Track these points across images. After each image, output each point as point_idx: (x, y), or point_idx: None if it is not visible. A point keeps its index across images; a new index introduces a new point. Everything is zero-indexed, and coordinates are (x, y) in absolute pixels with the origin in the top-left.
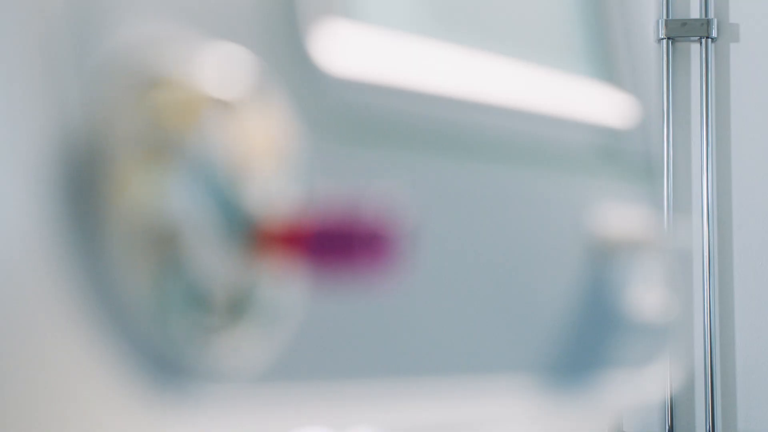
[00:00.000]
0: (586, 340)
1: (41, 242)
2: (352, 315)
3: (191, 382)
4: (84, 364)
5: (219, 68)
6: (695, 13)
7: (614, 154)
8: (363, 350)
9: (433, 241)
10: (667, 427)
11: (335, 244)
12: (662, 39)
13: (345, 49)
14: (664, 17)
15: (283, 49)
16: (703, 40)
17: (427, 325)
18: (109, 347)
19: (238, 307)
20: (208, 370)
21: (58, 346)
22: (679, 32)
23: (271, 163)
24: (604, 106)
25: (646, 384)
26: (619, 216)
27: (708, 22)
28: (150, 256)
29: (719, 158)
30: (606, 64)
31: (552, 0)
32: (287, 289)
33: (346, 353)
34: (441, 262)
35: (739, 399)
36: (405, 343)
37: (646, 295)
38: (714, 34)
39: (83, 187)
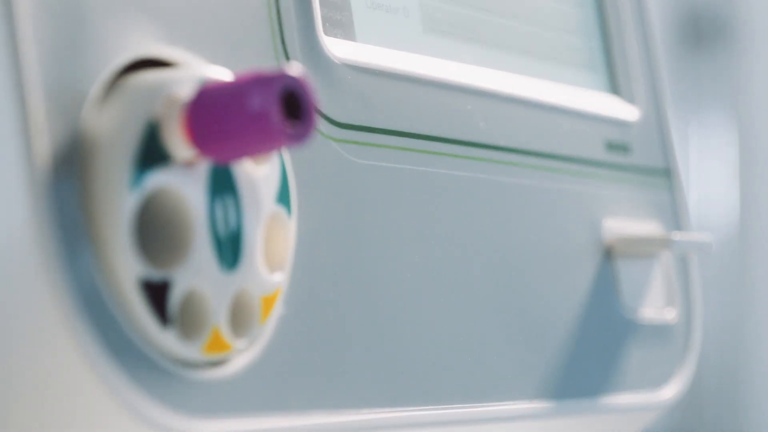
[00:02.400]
0: (597, 345)
1: (37, 240)
2: (346, 327)
3: (192, 380)
4: (82, 364)
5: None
6: (710, 12)
7: (626, 156)
8: (357, 376)
9: (435, 241)
10: (679, 428)
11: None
12: (676, 38)
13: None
14: (678, 17)
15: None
16: (719, 40)
17: (427, 334)
18: (108, 346)
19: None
20: (208, 367)
21: (53, 345)
22: (694, 31)
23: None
24: (616, 112)
25: (659, 388)
26: (631, 218)
27: (723, 22)
28: (143, 249)
29: (735, 158)
30: (617, 66)
31: (558, 2)
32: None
33: (338, 380)
34: (442, 262)
35: (749, 402)
36: (403, 352)
37: (659, 298)
38: (729, 34)
39: (79, 184)
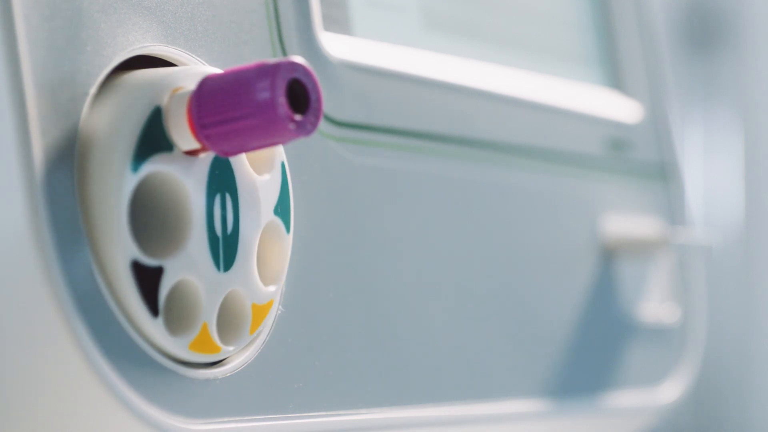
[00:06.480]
0: (596, 344)
1: (34, 237)
2: (345, 327)
3: (189, 380)
4: (79, 363)
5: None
6: (716, 11)
7: (628, 157)
8: (355, 376)
9: (434, 240)
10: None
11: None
12: (682, 36)
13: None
14: (684, 15)
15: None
16: (725, 38)
17: (426, 333)
18: (106, 346)
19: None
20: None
21: (51, 343)
22: (700, 30)
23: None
24: (616, 109)
25: (658, 388)
26: (632, 216)
27: (729, 20)
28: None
29: (740, 156)
30: (619, 66)
31: (559, 2)
32: None
33: (336, 380)
34: (441, 261)
35: (760, 400)
36: (403, 356)
37: (661, 299)
38: (735, 32)
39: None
